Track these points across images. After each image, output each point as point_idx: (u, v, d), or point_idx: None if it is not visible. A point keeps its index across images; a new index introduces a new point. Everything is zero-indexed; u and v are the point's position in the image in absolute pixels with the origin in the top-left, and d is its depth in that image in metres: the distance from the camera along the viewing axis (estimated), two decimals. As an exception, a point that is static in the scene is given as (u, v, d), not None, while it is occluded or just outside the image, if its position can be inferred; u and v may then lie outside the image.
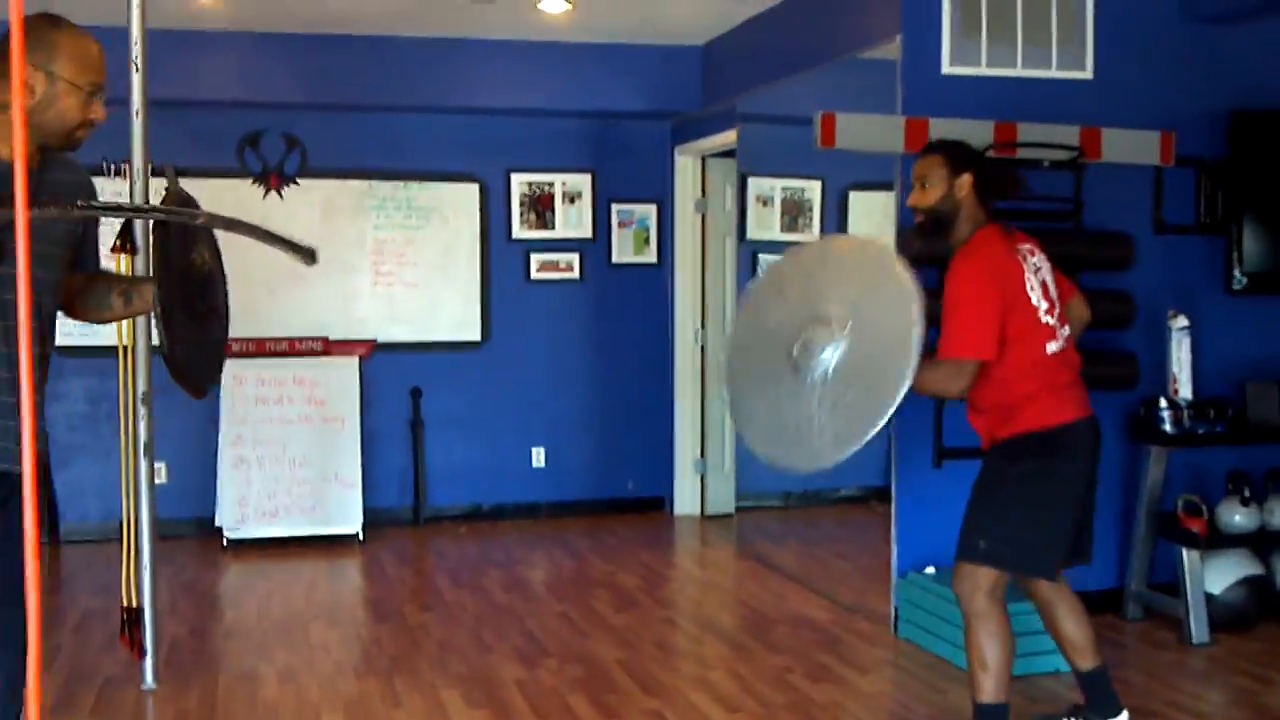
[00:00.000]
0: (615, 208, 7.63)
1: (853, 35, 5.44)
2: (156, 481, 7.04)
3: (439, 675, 4.54)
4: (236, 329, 6.90)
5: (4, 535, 2.66)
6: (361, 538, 6.83)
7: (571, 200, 7.56)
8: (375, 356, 7.25)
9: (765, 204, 7.27)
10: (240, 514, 6.72)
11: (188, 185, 6.93)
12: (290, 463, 6.82)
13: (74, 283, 2.88)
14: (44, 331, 2.75)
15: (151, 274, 2.74)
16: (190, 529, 6.94)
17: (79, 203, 2.69)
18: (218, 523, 6.76)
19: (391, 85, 6.91)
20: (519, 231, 7.48)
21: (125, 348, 4.32)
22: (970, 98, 5.04)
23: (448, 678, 4.51)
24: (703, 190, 7.58)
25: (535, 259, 7.51)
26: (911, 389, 3.28)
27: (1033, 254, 3.58)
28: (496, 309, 7.47)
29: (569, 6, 6.15)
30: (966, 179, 3.52)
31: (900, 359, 3.23)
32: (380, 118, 7.18)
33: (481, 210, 7.41)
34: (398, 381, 7.31)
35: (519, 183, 7.47)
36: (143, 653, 4.37)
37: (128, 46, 4.35)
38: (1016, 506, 3.52)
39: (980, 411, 3.62)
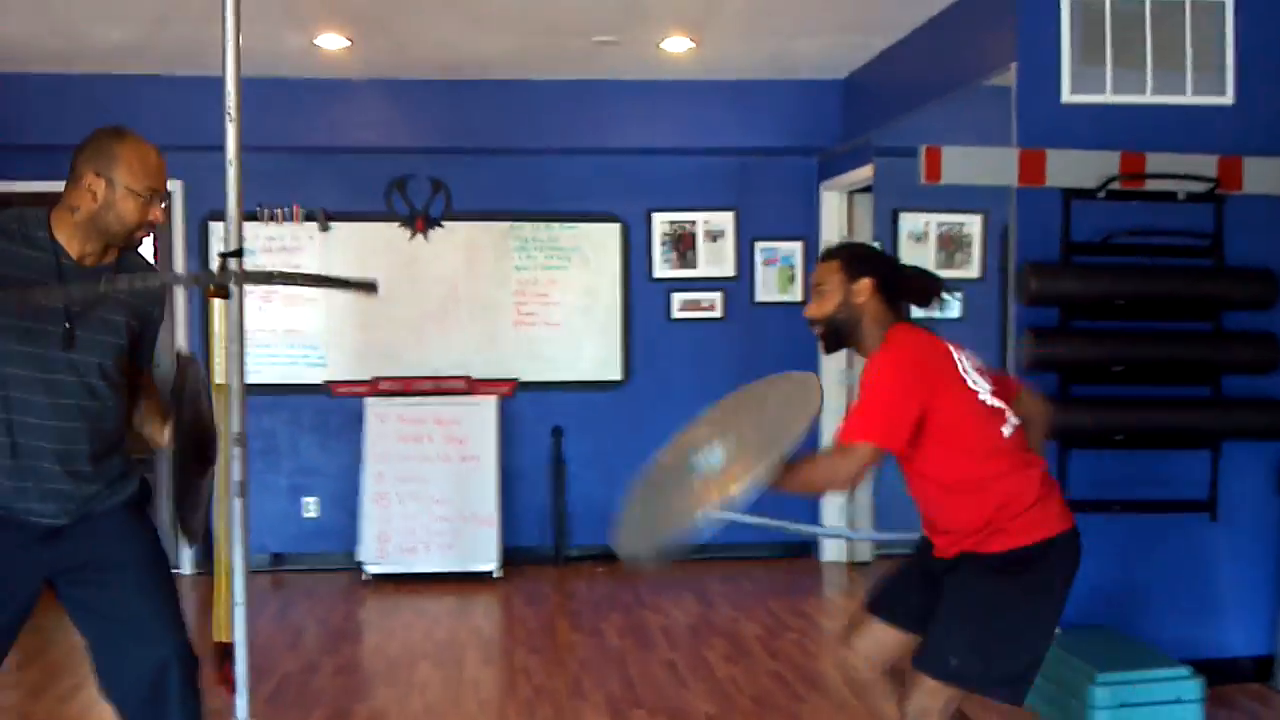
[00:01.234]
0: (759, 245, 7.51)
1: (970, 64, 5.20)
2: (307, 516, 7.34)
3: (523, 722, 4.51)
4: (384, 369, 7.22)
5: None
6: (498, 576, 6.89)
7: (714, 238, 7.48)
8: (517, 395, 7.33)
9: (919, 240, 7.04)
10: (381, 549, 6.88)
11: (338, 228, 7.25)
12: (430, 500, 6.95)
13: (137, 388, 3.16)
14: (99, 411, 3.00)
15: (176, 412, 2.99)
16: (339, 562, 7.15)
17: (106, 277, 2.91)
18: (358, 557, 6.94)
19: (530, 127, 7.01)
20: (660, 270, 7.45)
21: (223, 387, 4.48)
22: (1093, 127, 4.74)
23: (531, 725, 4.48)
24: (849, 227, 7.38)
25: (677, 298, 7.46)
26: (785, 488, 2.96)
27: (959, 348, 3.18)
28: (638, 348, 7.45)
29: (692, 45, 6.11)
30: (866, 284, 3.15)
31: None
32: (522, 160, 7.28)
33: (623, 249, 7.41)
34: (539, 420, 7.36)
35: (660, 221, 7.45)
36: (233, 689, 4.48)
37: (222, 96, 4.48)
38: (1003, 620, 3.05)
39: (949, 531, 3.16)
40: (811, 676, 5.15)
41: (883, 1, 5.45)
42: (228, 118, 4.60)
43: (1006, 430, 3.11)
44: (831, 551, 7.40)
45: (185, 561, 7.06)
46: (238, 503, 4.63)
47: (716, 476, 3.08)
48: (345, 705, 4.75)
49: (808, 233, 7.48)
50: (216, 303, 4.54)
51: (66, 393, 2.91)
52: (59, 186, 2.98)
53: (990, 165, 4.73)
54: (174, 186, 6.67)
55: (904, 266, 3.29)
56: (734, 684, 4.98)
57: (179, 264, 7.08)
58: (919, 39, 5.89)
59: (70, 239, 2.96)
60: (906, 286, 3.23)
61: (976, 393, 3.08)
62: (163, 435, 3.16)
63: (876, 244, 7.02)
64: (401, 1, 5.38)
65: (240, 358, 4.72)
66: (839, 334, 3.19)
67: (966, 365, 3.12)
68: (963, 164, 4.73)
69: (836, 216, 7.39)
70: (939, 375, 3.05)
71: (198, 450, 3.11)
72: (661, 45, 6.12)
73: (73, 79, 6.55)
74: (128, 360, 3.10)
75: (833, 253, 3.26)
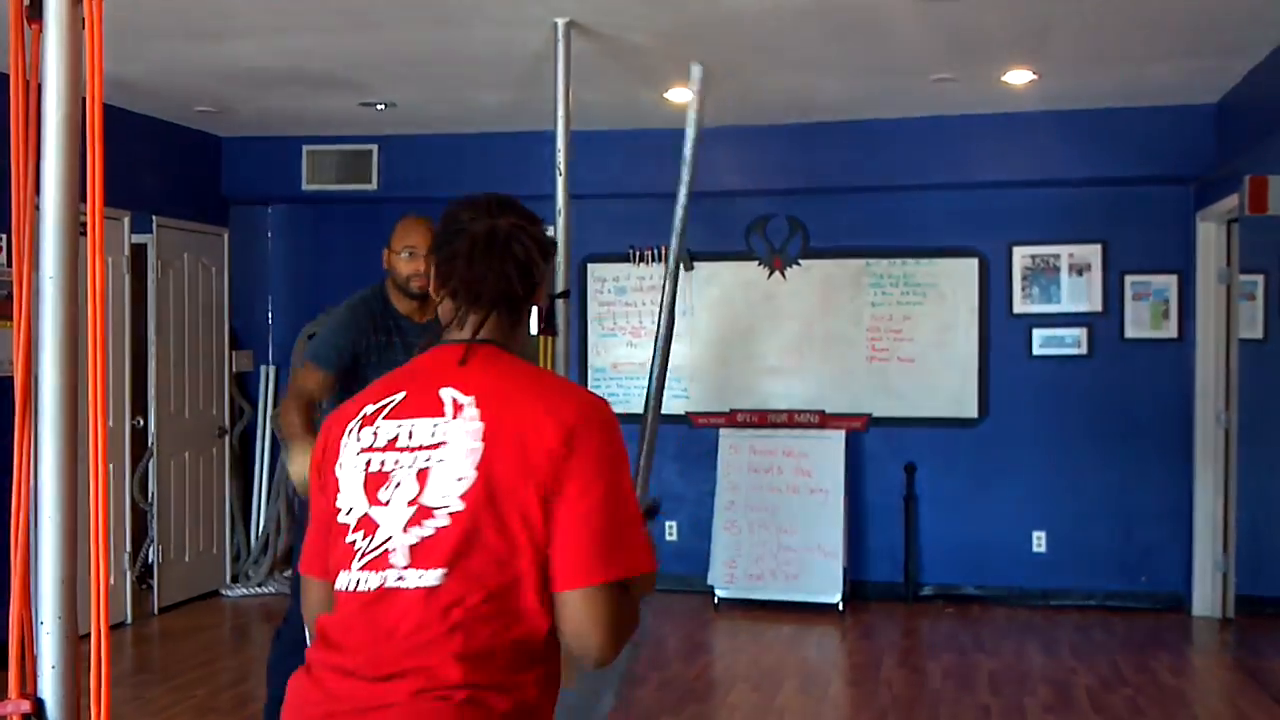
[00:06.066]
0: (1129, 279, 7.16)
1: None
2: (668, 539, 7.76)
3: (812, 751, 4.63)
4: (741, 402, 7.53)
5: None
6: (841, 608, 6.98)
7: (1079, 272, 7.21)
8: (870, 431, 7.40)
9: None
10: (729, 575, 7.17)
11: (702, 268, 7.64)
12: (778, 529, 7.16)
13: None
14: None
15: None
16: (695, 585, 7.50)
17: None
18: (709, 581, 7.25)
19: (882, 165, 7.08)
20: (1020, 306, 7.28)
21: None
22: None
23: (818, 755, 4.58)
24: (1227, 258, 6.88)
25: (1038, 334, 7.25)
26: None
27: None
28: (995, 385, 7.31)
29: (1035, 77, 5.98)
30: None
31: None
32: (877, 197, 7.36)
33: (980, 285, 7.31)
34: (891, 457, 7.38)
35: (1021, 255, 7.28)
36: (550, 692, 4.90)
37: (553, 152, 4.97)
38: None
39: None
40: (1129, 735, 4.90)
41: (1231, 25, 5.10)
42: (557, 172, 5.11)
43: None
44: (1203, 605, 6.90)
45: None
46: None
47: None
48: (653, 718, 5.05)
49: (1183, 265, 7.05)
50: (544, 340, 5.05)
51: None
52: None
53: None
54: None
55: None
56: (1042, 735, 4.85)
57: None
58: (1282, 57, 5.47)
59: (399, 303, 3.97)
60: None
61: None
62: None
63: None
64: (737, 54, 5.65)
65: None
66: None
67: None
68: (1296, 194, 4.39)
69: (1214, 246, 6.92)
70: None
71: None
72: (1003, 79, 6.03)
73: (464, 138, 7.37)
74: None
75: None
